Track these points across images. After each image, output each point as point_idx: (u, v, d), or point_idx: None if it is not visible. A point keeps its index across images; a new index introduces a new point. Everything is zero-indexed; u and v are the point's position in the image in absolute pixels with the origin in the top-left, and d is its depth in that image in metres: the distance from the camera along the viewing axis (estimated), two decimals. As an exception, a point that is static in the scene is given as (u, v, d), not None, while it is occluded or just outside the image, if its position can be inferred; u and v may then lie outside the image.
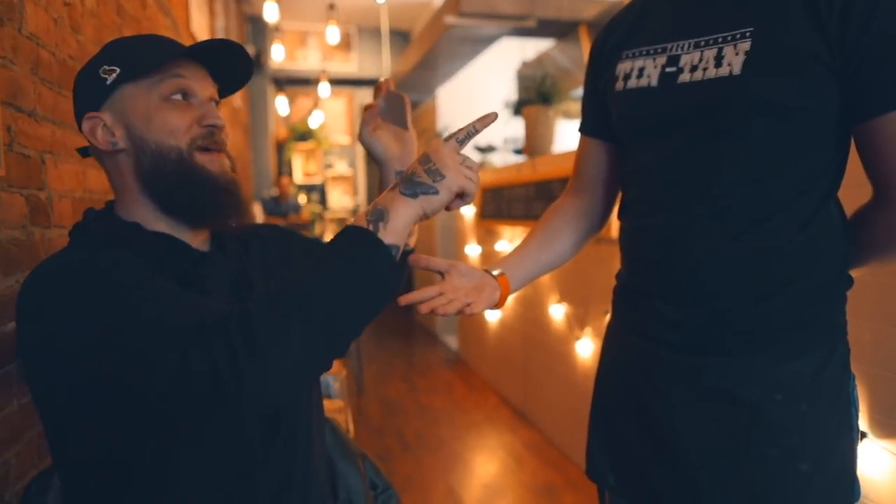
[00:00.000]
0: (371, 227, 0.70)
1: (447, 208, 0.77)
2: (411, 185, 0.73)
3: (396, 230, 0.71)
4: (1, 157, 1.03)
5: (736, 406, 0.83)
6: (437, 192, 0.73)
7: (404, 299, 0.85)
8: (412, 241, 1.07)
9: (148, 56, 0.80)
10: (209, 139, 0.83)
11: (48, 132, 1.30)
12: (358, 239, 0.70)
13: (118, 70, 0.79)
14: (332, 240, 0.72)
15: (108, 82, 0.79)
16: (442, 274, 0.91)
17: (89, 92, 0.80)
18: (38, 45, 1.26)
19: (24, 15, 1.20)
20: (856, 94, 0.76)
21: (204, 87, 0.84)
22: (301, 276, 0.68)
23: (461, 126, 0.82)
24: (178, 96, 0.82)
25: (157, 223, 0.82)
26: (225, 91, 0.90)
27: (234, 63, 0.87)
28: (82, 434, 0.75)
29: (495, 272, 0.96)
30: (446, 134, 0.89)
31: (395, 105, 1.00)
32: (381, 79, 1.02)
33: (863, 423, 1.29)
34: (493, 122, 0.82)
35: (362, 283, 0.69)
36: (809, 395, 0.81)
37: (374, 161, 1.03)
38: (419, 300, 0.85)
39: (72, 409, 0.73)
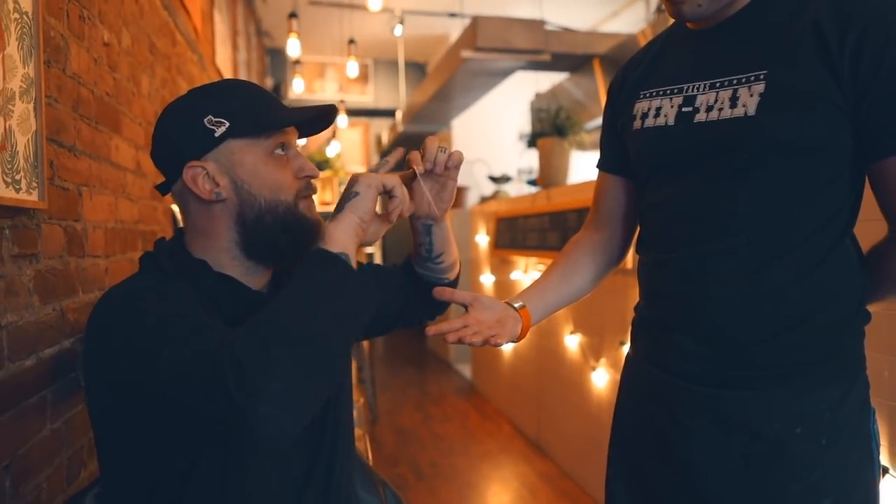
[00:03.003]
0: (318, 247, 0.76)
1: (388, 215, 0.84)
2: (338, 206, 0.81)
3: (335, 239, 0.76)
4: (45, 191, 1.08)
5: (756, 439, 0.84)
6: (357, 194, 0.80)
7: (432, 330, 0.88)
8: (451, 275, 1.08)
9: (261, 116, 0.84)
10: (309, 189, 0.89)
11: (85, 166, 1.36)
12: (309, 258, 0.75)
13: (227, 124, 0.82)
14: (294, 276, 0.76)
15: (217, 134, 0.81)
16: (466, 307, 0.94)
17: (193, 140, 0.82)
18: (79, 84, 1.32)
19: (69, 56, 1.27)
20: (868, 135, 0.78)
21: (295, 136, 0.90)
22: (274, 303, 0.71)
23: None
24: (280, 150, 0.86)
25: (229, 265, 0.85)
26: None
27: (325, 121, 0.91)
28: (124, 453, 0.78)
29: (517, 305, 0.99)
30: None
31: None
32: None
33: (884, 459, 1.28)
34: (401, 157, 0.93)
35: (322, 291, 0.72)
36: (830, 430, 0.82)
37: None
38: (446, 331, 0.87)
39: (116, 428, 0.77)
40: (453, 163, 0.94)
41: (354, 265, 0.76)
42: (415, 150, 0.95)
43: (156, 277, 0.82)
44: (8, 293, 1.00)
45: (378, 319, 1.08)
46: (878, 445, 0.87)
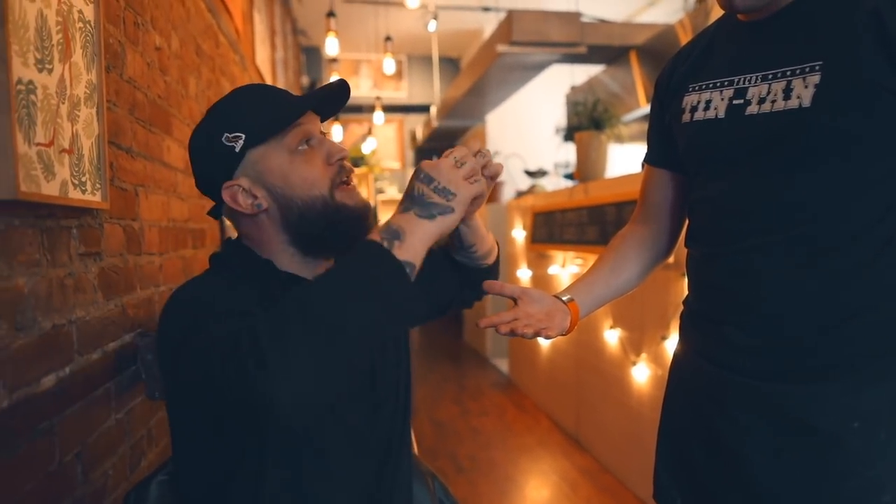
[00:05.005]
0: (385, 244, 0.70)
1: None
2: (426, 207, 0.73)
3: (413, 249, 0.71)
4: (107, 192, 1.13)
5: (811, 434, 0.83)
6: (452, 210, 0.74)
7: (484, 322, 0.89)
8: (489, 261, 1.08)
9: (270, 118, 0.83)
10: (342, 174, 0.87)
11: (141, 167, 1.41)
12: (370, 250, 0.70)
13: (243, 136, 0.81)
14: (344, 257, 0.73)
15: (237, 150, 0.82)
16: (515, 300, 0.95)
17: (219, 162, 0.83)
18: (134, 88, 1.38)
19: (126, 61, 1.32)
20: None
21: (316, 124, 0.88)
22: (311, 286, 0.69)
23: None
24: (304, 145, 0.85)
25: (291, 263, 0.87)
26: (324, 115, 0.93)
27: (337, 97, 0.90)
28: (189, 436, 0.82)
29: (565, 298, 0.99)
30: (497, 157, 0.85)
31: None
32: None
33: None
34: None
35: (369, 292, 0.68)
36: (889, 424, 0.81)
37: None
38: (497, 323, 0.89)
39: (184, 420, 0.81)
40: (490, 172, 0.86)
41: (414, 275, 0.73)
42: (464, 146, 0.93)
43: (223, 277, 0.85)
44: (76, 290, 1.05)
45: (432, 303, 1.10)
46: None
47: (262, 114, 0.83)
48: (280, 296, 0.78)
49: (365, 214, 0.87)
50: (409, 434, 1.01)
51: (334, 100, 0.89)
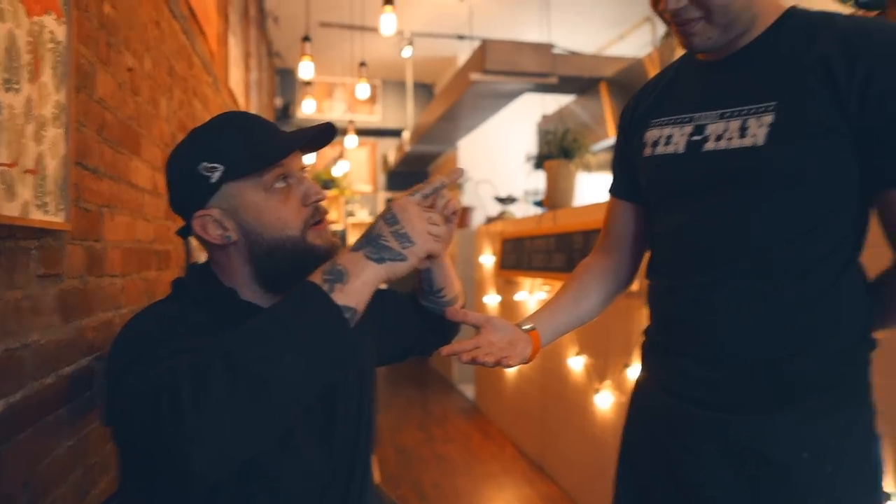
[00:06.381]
0: (326, 287, 0.68)
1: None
2: (378, 249, 0.71)
3: (355, 292, 0.69)
4: (70, 213, 1.12)
5: (763, 464, 0.86)
6: (405, 259, 0.72)
7: (446, 350, 0.90)
8: (456, 297, 1.10)
9: (252, 154, 0.81)
10: (317, 215, 0.86)
11: (107, 187, 1.39)
12: (307, 293, 0.68)
13: (222, 168, 0.80)
14: (279, 301, 0.70)
15: (213, 180, 0.80)
16: (478, 328, 0.96)
17: (193, 190, 0.82)
18: (104, 108, 1.36)
19: (96, 82, 1.31)
20: (873, 166, 0.81)
21: (296, 161, 0.86)
22: (239, 334, 0.66)
23: (431, 183, 0.81)
24: (281, 182, 0.84)
25: (254, 295, 0.86)
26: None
27: (322, 138, 0.89)
28: (135, 465, 0.81)
29: (527, 327, 1.01)
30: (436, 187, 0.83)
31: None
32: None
33: (890, 485, 1.29)
34: (459, 177, 0.84)
35: (301, 340, 0.65)
36: (836, 456, 0.84)
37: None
38: (459, 351, 0.90)
39: (119, 439, 0.79)
40: (449, 209, 0.89)
41: (354, 322, 0.70)
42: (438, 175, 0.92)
43: (182, 304, 0.84)
44: (33, 312, 1.03)
45: (394, 348, 1.11)
46: (882, 473, 0.89)
47: (244, 148, 0.82)
48: (238, 325, 0.77)
49: (332, 255, 0.86)
50: (371, 465, 1.00)
51: (319, 140, 0.89)
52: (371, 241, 0.73)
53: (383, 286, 0.77)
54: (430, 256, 0.76)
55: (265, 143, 0.83)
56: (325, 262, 0.80)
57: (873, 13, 1.32)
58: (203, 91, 2.71)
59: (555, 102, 5.95)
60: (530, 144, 6.25)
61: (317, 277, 0.70)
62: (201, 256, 1.04)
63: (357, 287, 0.70)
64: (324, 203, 0.88)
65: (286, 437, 0.84)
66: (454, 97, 5.01)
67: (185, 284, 0.88)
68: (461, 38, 6.48)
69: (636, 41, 6.31)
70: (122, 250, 1.51)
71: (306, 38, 5.41)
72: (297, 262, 0.83)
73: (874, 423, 0.89)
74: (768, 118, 0.84)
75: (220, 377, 0.61)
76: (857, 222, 0.86)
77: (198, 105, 2.57)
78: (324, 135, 0.87)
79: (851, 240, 0.87)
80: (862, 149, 0.81)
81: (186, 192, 0.83)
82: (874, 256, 0.90)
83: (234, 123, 0.86)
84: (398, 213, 0.74)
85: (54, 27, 1.04)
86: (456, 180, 0.84)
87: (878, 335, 0.91)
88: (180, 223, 0.90)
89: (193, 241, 0.92)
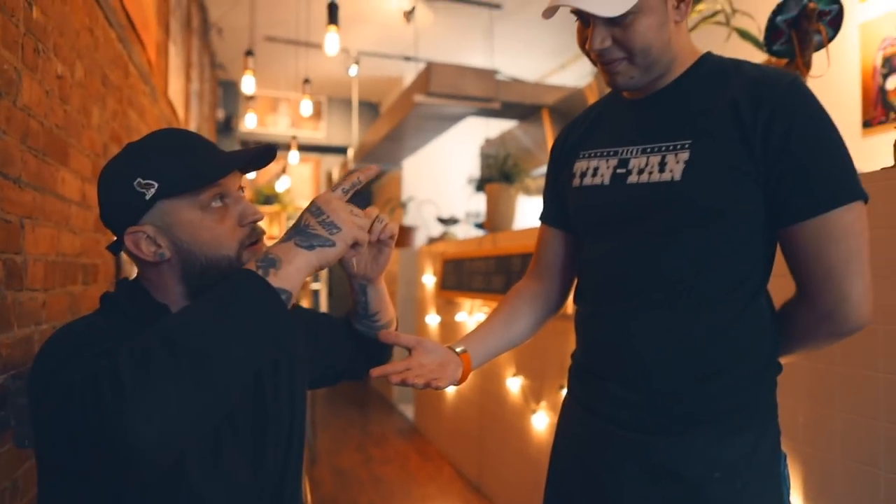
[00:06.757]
0: (260, 272, 0.70)
1: (340, 260, 0.80)
2: (307, 237, 0.74)
3: (289, 276, 0.71)
4: (-13, 224, 1.07)
5: (679, 483, 0.90)
6: (333, 245, 0.75)
7: (377, 372, 0.91)
8: (390, 322, 1.11)
9: (188, 173, 0.81)
10: (253, 235, 0.85)
11: (30, 198, 1.34)
12: (243, 278, 0.70)
13: (156, 185, 0.79)
14: (216, 285, 0.72)
15: (147, 197, 0.79)
16: (410, 350, 0.97)
17: (126, 205, 0.80)
18: (29, 116, 1.32)
19: (21, 88, 1.26)
20: (777, 203, 0.87)
21: (234, 181, 0.86)
22: (176, 314, 0.68)
23: (349, 178, 0.83)
24: (218, 201, 0.83)
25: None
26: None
27: (262, 159, 0.88)
28: (59, 488, 0.77)
29: (458, 349, 1.02)
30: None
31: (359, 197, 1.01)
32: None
33: (797, 500, 1.37)
34: (375, 174, 0.87)
35: (239, 318, 0.67)
36: (745, 473, 0.89)
37: (345, 273, 1.03)
38: (390, 373, 0.91)
39: (45, 460, 0.76)
40: (386, 233, 0.93)
41: (290, 303, 0.73)
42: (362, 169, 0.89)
43: (110, 318, 0.82)
44: (-58, 327, 0.98)
45: (326, 371, 1.11)
46: (788, 488, 0.95)
47: (180, 166, 0.81)
48: None
49: None
50: (301, 488, 0.99)
51: (258, 161, 0.88)
52: (299, 232, 0.75)
53: (318, 286, 0.78)
54: (356, 244, 0.79)
55: (203, 161, 0.83)
56: None
57: (783, 61, 1.43)
58: (139, 101, 2.64)
59: (498, 126, 6.07)
60: (473, 167, 6.34)
61: (251, 266, 0.72)
62: (133, 271, 1.01)
63: (290, 272, 0.72)
64: (261, 223, 0.88)
65: (214, 457, 0.83)
66: (399, 117, 5.05)
67: (115, 299, 0.85)
68: (408, 59, 6.54)
69: (577, 71, 6.53)
70: (45, 263, 1.45)
71: (249, 53, 5.34)
72: None
73: (779, 443, 0.94)
74: (684, 155, 0.90)
75: (161, 354, 0.63)
76: (765, 254, 0.93)
77: (133, 115, 2.50)
78: (264, 156, 0.87)
79: (760, 270, 0.93)
80: (767, 187, 0.87)
81: (119, 207, 0.82)
82: (782, 287, 0.97)
83: (171, 140, 0.86)
84: (322, 205, 0.77)
85: (-23, 32, 1.01)
86: (372, 177, 0.87)
87: (788, 360, 0.97)
88: (110, 236, 0.88)
89: (125, 256, 0.90)
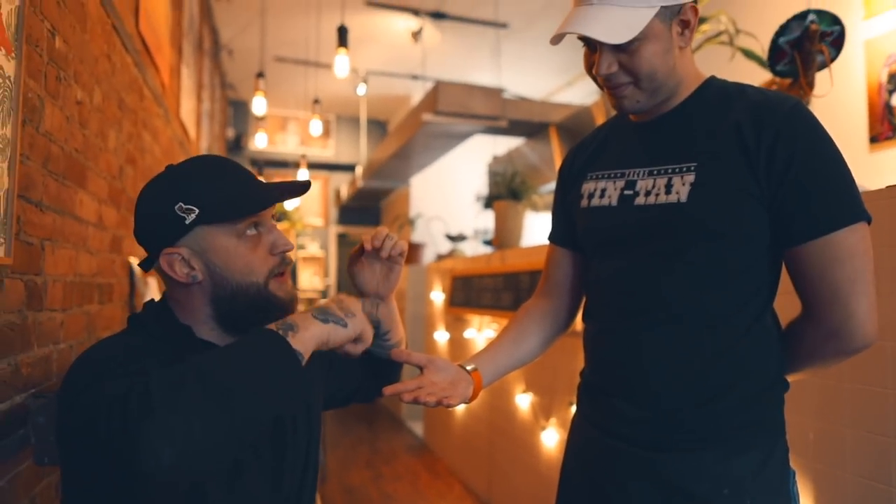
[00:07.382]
0: (280, 333, 0.77)
1: (342, 350, 0.86)
2: (324, 313, 0.82)
3: (303, 341, 0.78)
4: (11, 246, 1.10)
5: (687, 500, 0.90)
6: (345, 326, 0.83)
7: (389, 390, 0.93)
8: (400, 341, 1.13)
9: (230, 203, 0.85)
10: (282, 266, 0.90)
11: (50, 220, 1.37)
12: (267, 335, 0.77)
13: (197, 211, 0.83)
14: (242, 337, 0.78)
15: (188, 222, 0.83)
16: (421, 368, 0.99)
17: (165, 228, 0.84)
18: (50, 141, 1.36)
19: (44, 115, 1.30)
20: (782, 225, 0.89)
21: (269, 211, 0.90)
22: (209, 355, 0.73)
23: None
24: (252, 229, 0.88)
25: (210, 333, 0.88)
26: None
27: (298, 191, 0.92)
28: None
29: (469, 367, 1.04)
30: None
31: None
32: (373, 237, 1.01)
33: (809, 518, 1.37)
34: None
35: (263, 368, 0.74)
36: (753, 490, 0.90)
37: (356, 290, 1.07)
38: (402, 391, 0.92)
39: (70, 477, 0.79)
40: (396, 250, 0.99)
41: (302, 364, 0.79)
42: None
43: (138, 338, 0.85)
44: (-33, 348, 1.00)
45: (336, 393, 1.13)
46: (797, 505, 0.95)
47: (222, 195, 0.85)
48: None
49: (290, 307, 0.91)
50: None
51: (293, 192, 0.92)
52: (318, 309, 0.83)
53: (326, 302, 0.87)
54: (360, 339, 0.87)
55: (243, 191, 0.87)
56: (283, 312, 0.89)
57: (787, 81, 1.45)
58: (153, 123, 2.69)
59: (506, 144, 6.12)
60: (481, 184, 6.38)
61: (272, 327, 0.78)
62: (146, 291, 1.05)
63: (305, 337, 0.78)
64: (290, 255, 0.92)
65: (234, 478, 0.85)
66: (407, 135, 5.10)
67: (142, 320, 0.88)
68: (415, 77, 6.62)
69: (584, 88, 6.59)
70: (64, 284, 1.48)
71: (260, 75, 5.43)
72: (258, 307, 0.87)
73: (788, 459, 0.95)
74: (690, 177, 0.92)
75: (192, 382, 0.68)
76: (770, 274, 0.94)
77: (147, 137, 2.55)
78: (299, 189, 0.92)
79: (765, 290, 0.94)
80: (771, 208, 0.89)
81: (158, 228, 0.85)
82: (788, 304, 0.98)
83: (214, 168, 0.89)
84: (344, 299, 0.87)
85: (3, 62, 1.05)
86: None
87: (796, 377, 0.98)
88: (125, 256, 0.91)
89: (139, 275, 0.93)
